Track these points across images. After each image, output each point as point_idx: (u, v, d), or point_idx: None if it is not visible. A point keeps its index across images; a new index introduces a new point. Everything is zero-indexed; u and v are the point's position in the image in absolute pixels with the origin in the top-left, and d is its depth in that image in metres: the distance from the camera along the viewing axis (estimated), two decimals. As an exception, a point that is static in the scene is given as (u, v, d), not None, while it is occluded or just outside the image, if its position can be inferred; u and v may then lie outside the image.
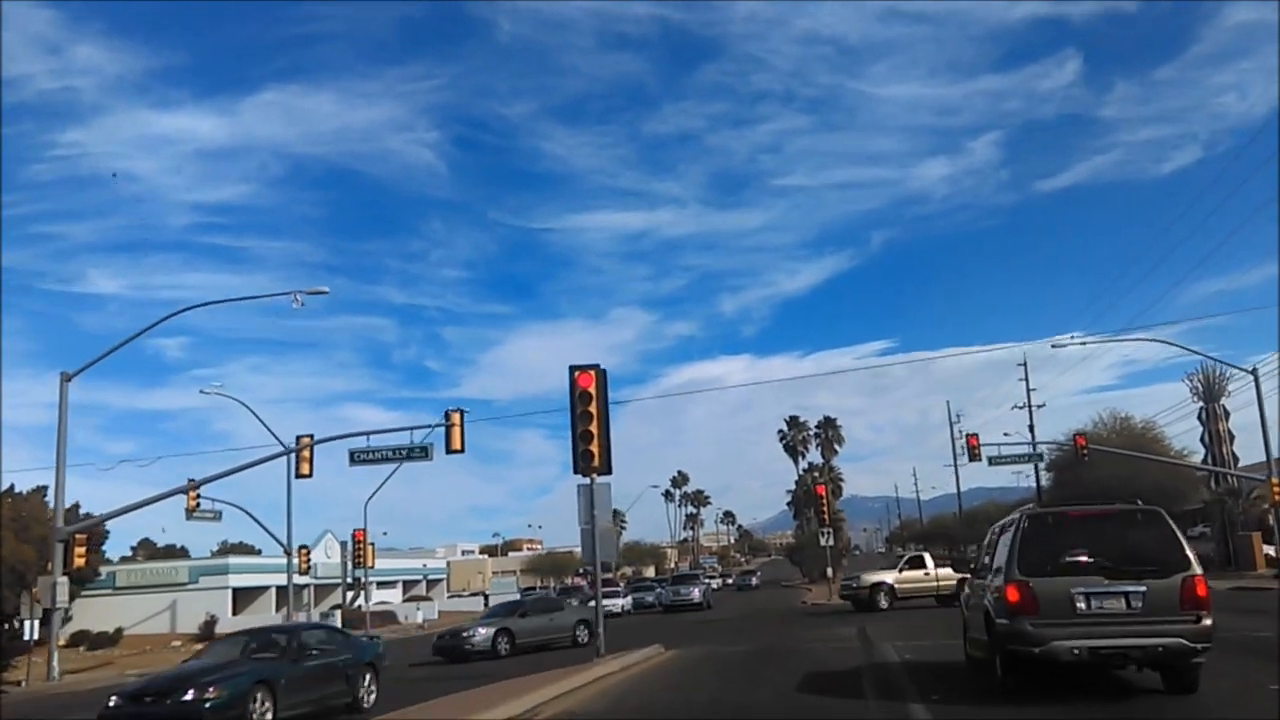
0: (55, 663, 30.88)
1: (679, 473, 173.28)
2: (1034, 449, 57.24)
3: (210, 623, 54.16)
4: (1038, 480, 79.02)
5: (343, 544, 56.73)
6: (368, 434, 33.77)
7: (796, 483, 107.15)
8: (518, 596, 62.07)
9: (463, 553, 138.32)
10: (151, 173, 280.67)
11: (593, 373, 19.27)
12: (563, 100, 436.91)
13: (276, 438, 41.83)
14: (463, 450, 31.77)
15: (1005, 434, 67.90)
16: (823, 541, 47.52)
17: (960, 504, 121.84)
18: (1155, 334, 51.13)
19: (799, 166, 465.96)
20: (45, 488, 48.85)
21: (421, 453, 32.55)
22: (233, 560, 58.83)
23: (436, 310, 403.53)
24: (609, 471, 19.51)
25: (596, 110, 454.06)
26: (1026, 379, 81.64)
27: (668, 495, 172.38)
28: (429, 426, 32.31)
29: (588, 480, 19.26)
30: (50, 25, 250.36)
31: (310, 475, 34.35)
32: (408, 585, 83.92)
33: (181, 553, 73.71)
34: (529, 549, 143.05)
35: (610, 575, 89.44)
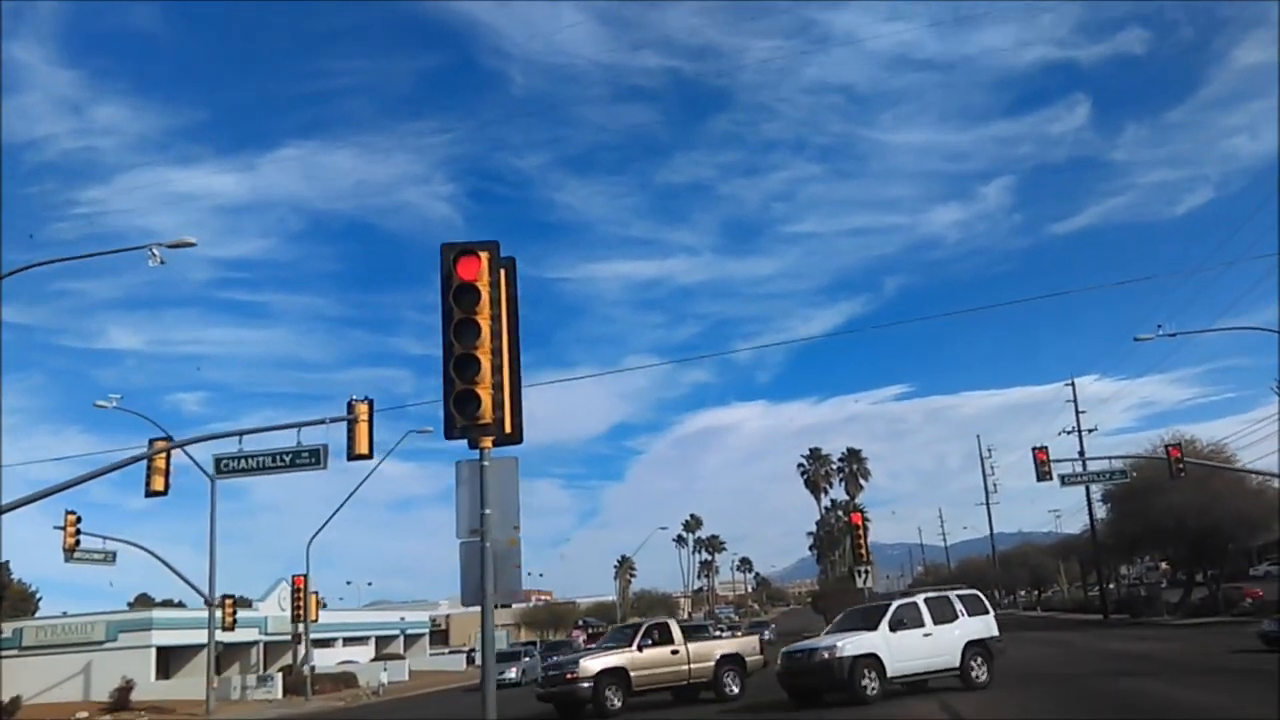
0: None
1: (692, 516, 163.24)
2: (1109, 463, 47.19)
3: (125, 689, 45.12)
4: (1091, 515, 69.52)
5: (294, 594, 47.63)
6: (240, 434, 25.13)
7: (818, 523, 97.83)
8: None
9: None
10: (171, 229, 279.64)
11: (482, 256, 10.62)
12: (575, 151, 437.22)
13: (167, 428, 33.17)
14: (370, 455, 23.31)
15: (1079, 456, 58.19)
16: (859, 582, 38.40)
17: (994, 545, 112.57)
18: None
19: (811, 214, 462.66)
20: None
21: (311, 459, 23.89)
22: (157, 614, 49.82)
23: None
24: (517, 439, 10.78)
25: (609, 161, 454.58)
26: (1075, 401, 72.46)
27: (680, 540, 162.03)
28: (322, 422, 23.78)
29: (476, 454, 10.57)
30: (73, 86, 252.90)
31: (165, 492, 25.71)
32: (382, 641, 74.52)
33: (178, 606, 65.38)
34: (538, 600, 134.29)
35: (601, 628, 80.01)
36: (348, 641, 69.10)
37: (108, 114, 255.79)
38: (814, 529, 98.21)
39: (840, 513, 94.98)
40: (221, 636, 54.64)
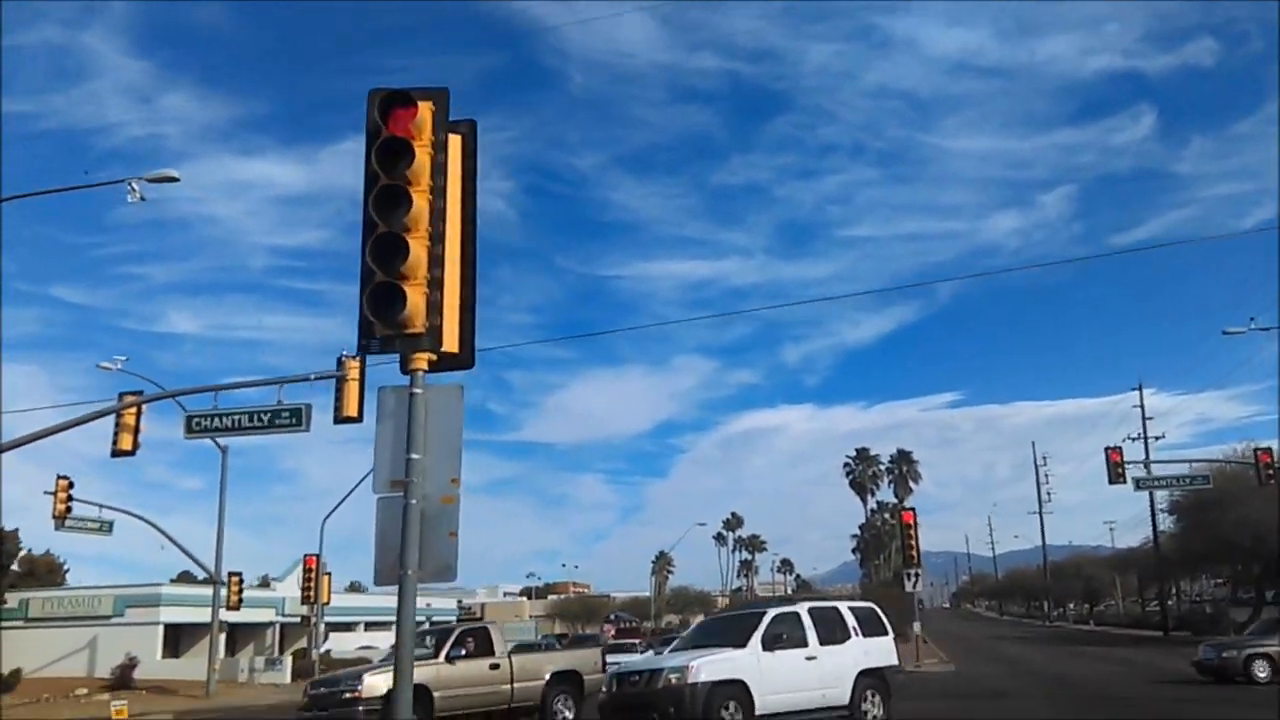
0: None
1: (732, 514, 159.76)
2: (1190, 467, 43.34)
3: (128, 666, 43.11)
4: (1154, 526, 65.35)
5: (306, 574, 45.16)
6: (215, 389, 22.56)
7: (863, 526, 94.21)
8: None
9: (504, 594, 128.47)
10: (232, 216, 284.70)
11: (423, 107, 7.78)
12: (632, 151, 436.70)
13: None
14: (359, 418, 20.66)
15: (1144, 462, 54.05)
16: (908, 585, 35.14)
17: (1045, 556, 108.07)
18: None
19: (868, 217, 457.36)
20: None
21: (292, 419, 21.28)
22: (166, 590, 47.79)
23: (502, 354, 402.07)
24: (466, 362, 7.92)
25: (665, 161, 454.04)
26: (1142, 405, 68.27)
27: (719, 538, 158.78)
28: (306, 379, 21.17)
29: (406, 380, 7.75)
30: (142, 75, 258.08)
31: (133, 451, 23.11)
32: (407, 628, 72.33)
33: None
34: (575, 593, 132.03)
35: (633, 623, 77.12)
36: (370, 626, 66.92)
37: (175, 103, 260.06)
38: (858, 532, 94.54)
39: (887, 515, 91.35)
40: (235, 616, 52.65)
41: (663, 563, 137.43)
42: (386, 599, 76.28)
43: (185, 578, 57.19)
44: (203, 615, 46.76)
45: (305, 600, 43.05)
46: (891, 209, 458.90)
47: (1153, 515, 65.44)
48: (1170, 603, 70.87)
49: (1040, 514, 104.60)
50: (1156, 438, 66.29)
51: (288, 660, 46.30)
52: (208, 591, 44.40)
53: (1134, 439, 65.27)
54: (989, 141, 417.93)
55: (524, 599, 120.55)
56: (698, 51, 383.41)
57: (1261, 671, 24.40)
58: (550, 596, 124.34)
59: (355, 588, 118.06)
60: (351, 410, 20.67)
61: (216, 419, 21.87)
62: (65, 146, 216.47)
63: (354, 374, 20.51)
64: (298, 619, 53.99)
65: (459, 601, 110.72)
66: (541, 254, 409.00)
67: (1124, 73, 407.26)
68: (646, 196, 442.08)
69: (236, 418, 21.75)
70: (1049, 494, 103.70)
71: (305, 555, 42.93)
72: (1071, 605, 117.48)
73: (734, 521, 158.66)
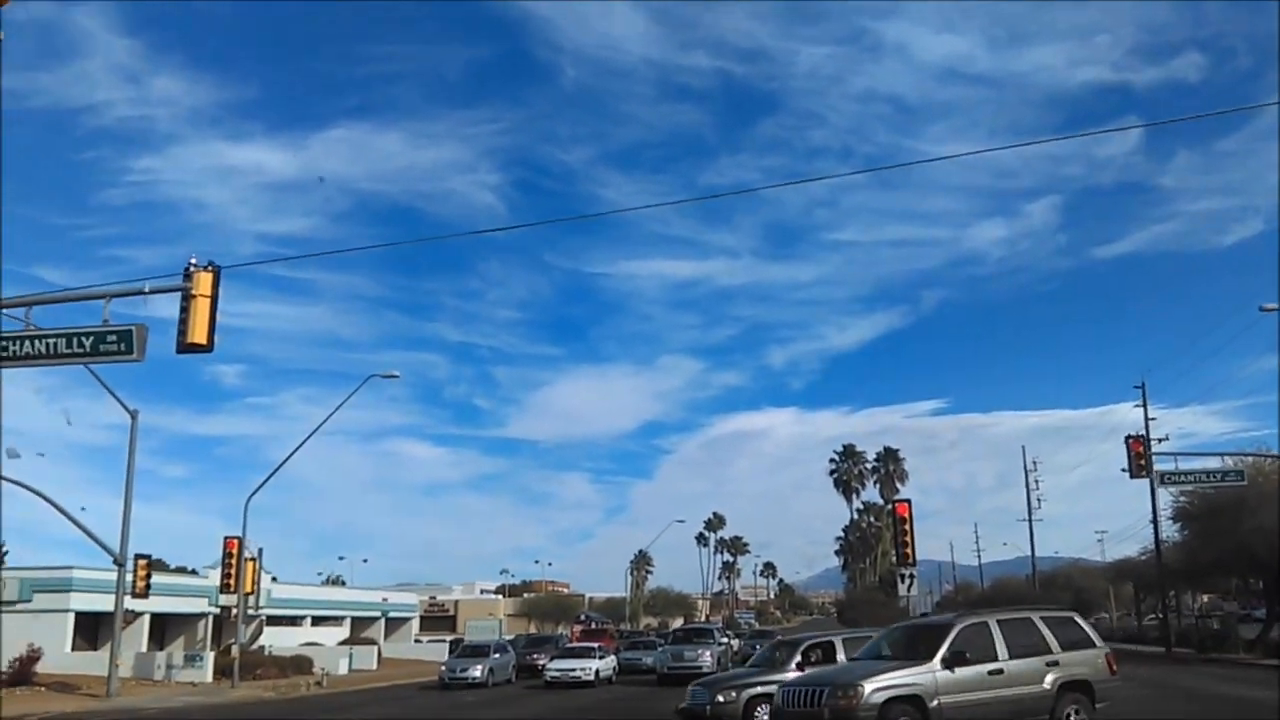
0: None
1: (714, 514, 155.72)
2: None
3: (29, 659, 38.58)
4: (1156, 534, 61.33)
5: (226, 559, 40.54)
6: (28, 303, 18.09)
7: (847, 528, 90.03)
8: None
9: (481, 591, 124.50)
10: (220, 202, 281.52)
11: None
12: (621, 147, 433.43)
13: None
14: (208, 346, 16.38)
15: (1145, 464, 49.84)
16: (901, 588, 30.88)
17: (1034, 564, 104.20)
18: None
19: (853, 222, 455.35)
20: None
21: (120, 345, 16.89)
22: (78, 574, 43.23)
23: (488, 349, 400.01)
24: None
25: (654, 159, 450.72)
26: (1145, 404, 64.44)
27: (701, 539, 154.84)
28: (140, 293, 16.95)
29: None
30: (132, 55, 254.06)
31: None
32: (361, 624, 67.79)
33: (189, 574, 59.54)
34: (552, 592, 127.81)
35: (603, 624, 72.78)
36: (319, 621, 62.51)
37: (164, 85, 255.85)
38: (842, 534, 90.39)
39: (872, 517, 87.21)
40: (165, 606, 48.44)
41: (641, 563, 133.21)
42: (332, 593, 71.76)
43: (158, 565, 52.26)
44: (132, 603, 42.41)
45: (225, 589, 38.66)
46: (877, 214, 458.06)
47: (1155, 521, 61.49)
48: (1168, 617, 66.75)
49: (1030, 520, 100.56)
50: (1160, 439, 62.33)
51: (209, 656, 41.89)
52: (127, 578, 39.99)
53: (1135, 437, 61.32)
54: (975, 149, 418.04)
55: (499, 597, 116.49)
56: (690, 50, 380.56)
57: (763, 720, 18.53)
58: (526, 595, 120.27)
59: (333, 581, 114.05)
60: (199, 336, 16.15)
61: (29, 343, 17.40)
62: (53, 125, 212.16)
63: (204, 289, 16.09)
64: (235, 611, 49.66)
65: (431, 598, 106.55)
66: (529, 249, 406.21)
67: (1111, 85, 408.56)
68: (635, 194, 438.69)
69: (52, 341, 17.28)
70: (1039, 499, 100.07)
71: (226, 538, 38.51)
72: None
73: (716, 522, 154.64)
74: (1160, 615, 71.85)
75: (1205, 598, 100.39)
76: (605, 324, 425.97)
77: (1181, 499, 53.77)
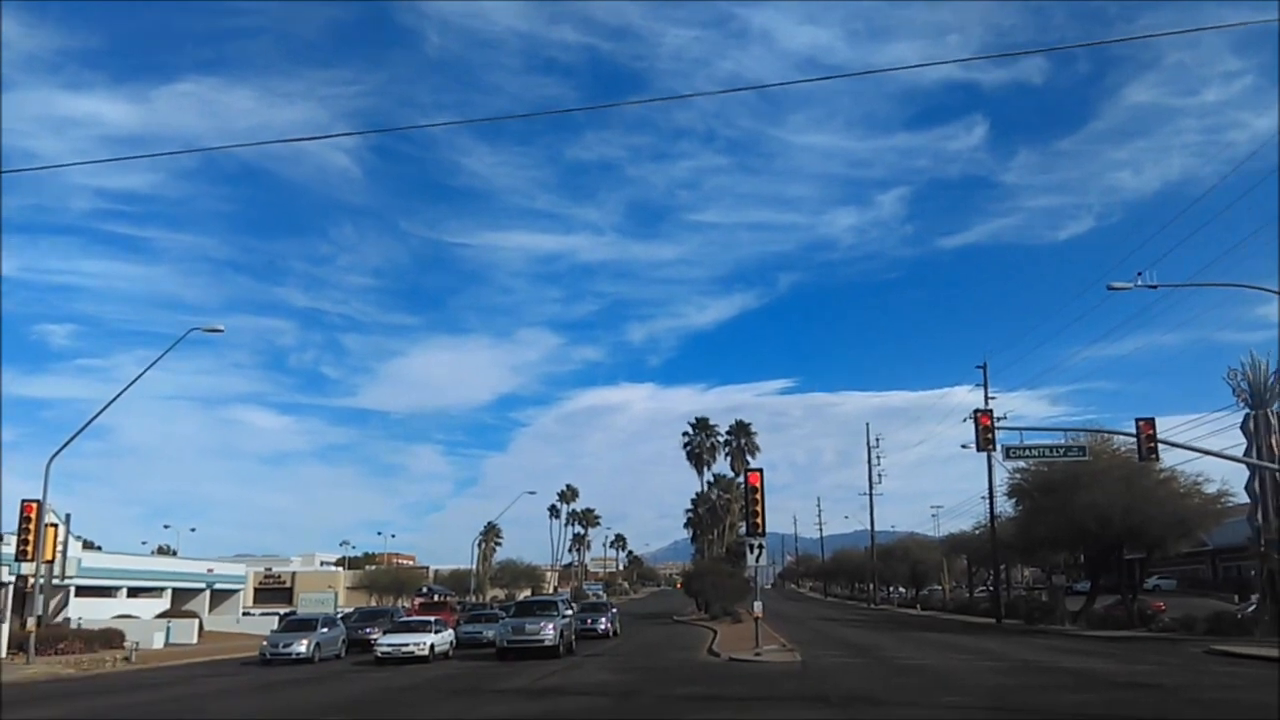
0: None
1: (567, 486, 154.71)
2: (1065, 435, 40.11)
3: None
4: (991, 509, 63.34)
5: (23, 524, 36.72)
6: None
7: (696, 500, 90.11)
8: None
9: (321, 563, 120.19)
10: (56, 154, 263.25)
11: None
12: (485, 117, 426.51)
13: None
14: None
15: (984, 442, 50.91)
16: (750, 559, 30.18)
17: (873, 537, 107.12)
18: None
19: (714, 204, 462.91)
20: None
21: None
22: None
23: (339, 316, 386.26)
24: None
25: (519, 131, 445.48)
26: (986, 384, 66.35)
27: (553, 511, 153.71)
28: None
29: None
30: None
31: None
32: (183, 595, 63.75)
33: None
34: (395, 564, 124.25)
35: (445, 596, 70.73)
36: (137, 593, 58.38)
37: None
38: (691, 506, 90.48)
39: (721, 490, 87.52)
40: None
41: (490, 535, 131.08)
42: (150, 563, 67.20)
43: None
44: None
45: (20, 557, 35.04)
46: (738, 197, 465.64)
47: (990, 495, 63.55)
48: (999, 589, 69.07)
49: (870, 495, 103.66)
50: (999, 418, 64.14)
51: (3, 629, 38.07)
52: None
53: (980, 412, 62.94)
54: (833, 139, 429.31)
55: (338, 569, 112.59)
56: (558, 23, 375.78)
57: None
58: (369, 567, 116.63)
59: (164, 551, 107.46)
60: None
61: None
62: None
63: None
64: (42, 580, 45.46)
65: (267, 570, 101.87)
66: (385, 215, 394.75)
67: (961, 83, 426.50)
68: (498, 165, 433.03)
69: None
70: (880, 475, 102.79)
71: (23, 501, 34.85)
72: (900, 589, 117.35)
73: (569, 494, 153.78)
74: (991, 588, 74.49)
75: (1028, 572, 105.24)
76: (464, 294, 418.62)
77: (1017, 475, 55.36)
